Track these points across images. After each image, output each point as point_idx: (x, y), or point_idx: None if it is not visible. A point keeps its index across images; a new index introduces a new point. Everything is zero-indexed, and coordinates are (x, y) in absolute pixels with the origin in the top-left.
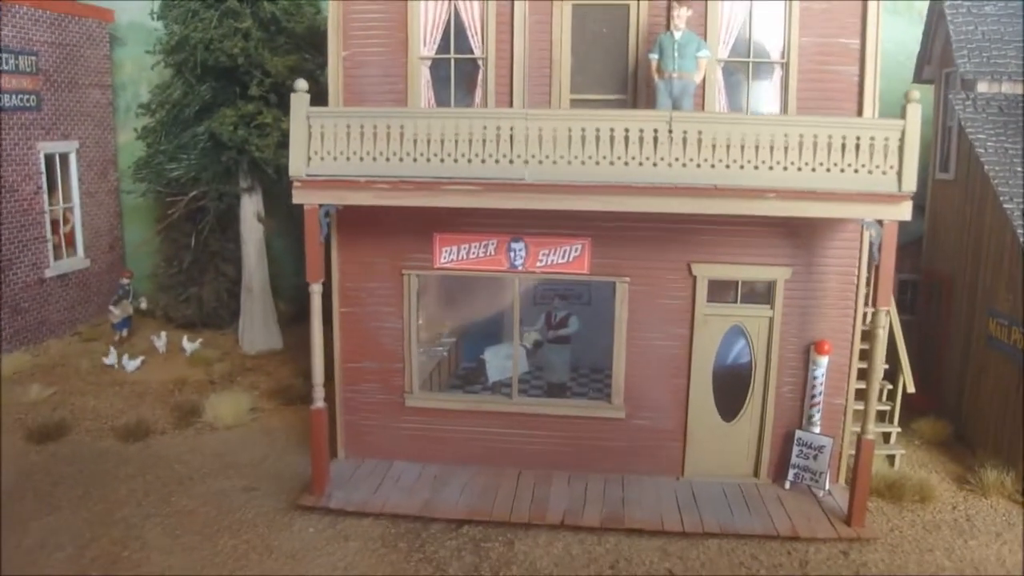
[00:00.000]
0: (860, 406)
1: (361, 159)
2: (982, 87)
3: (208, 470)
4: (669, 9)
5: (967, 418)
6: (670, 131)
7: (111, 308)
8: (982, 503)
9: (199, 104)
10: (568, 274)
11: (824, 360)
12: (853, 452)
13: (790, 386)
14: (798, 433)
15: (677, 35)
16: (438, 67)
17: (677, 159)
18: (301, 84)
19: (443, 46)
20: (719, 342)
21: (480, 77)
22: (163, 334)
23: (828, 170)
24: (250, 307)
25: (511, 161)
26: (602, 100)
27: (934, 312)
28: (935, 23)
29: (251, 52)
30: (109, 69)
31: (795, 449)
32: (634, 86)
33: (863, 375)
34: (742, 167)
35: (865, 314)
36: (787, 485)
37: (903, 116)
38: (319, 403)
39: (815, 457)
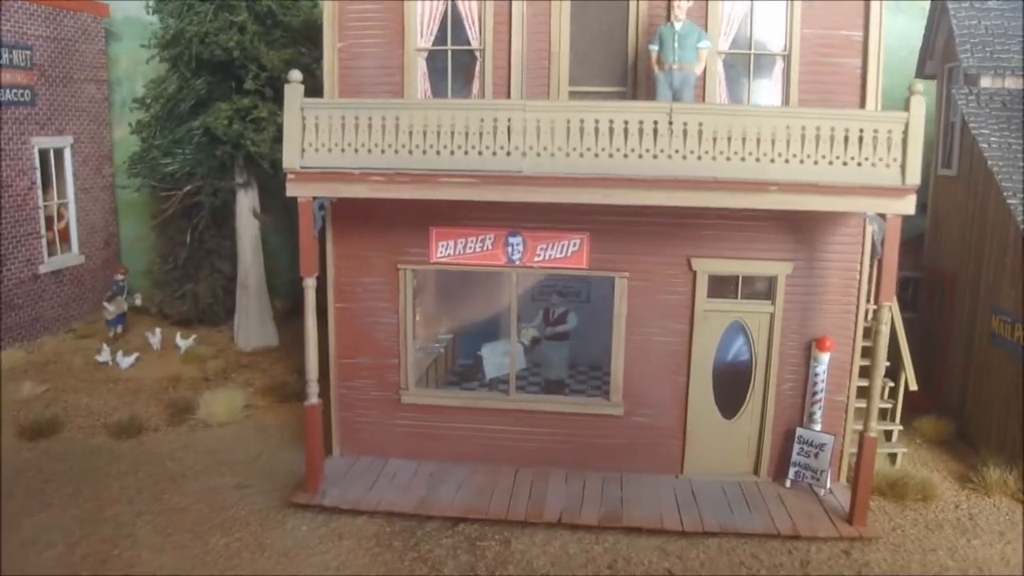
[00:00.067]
0: (861, 404)
1: (356, 151)
2: (985, 82)
3: (201, 467)
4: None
5: (969, 416)
6: (670, 123)
7: (105, 304)
8: (985, 502)
9: (194, 98)
10: (566, 269)
11: (825, 357)
12: (854, 450)
13: (791, 383)
14: (799, 431)
15: (677, 26)
16: (435, 59)
17: (677, 151)
18: (295, 75)
19: (440, 37)
20: (719, 338)
21: (477, 69)
22: (158, 331)
23: (830, 163)
24: (245, 304)
25: (508, 153)
26: (601, 92)
27: (936, 310)
28: (938, 18)
29: (247, 46)
30: (104, 64)
31: (796, 447)
32: (634, 78)
33: (865, 372)
34: (743, 159)
35: (867, 311)
36: (788, 483)
37: (907, 108)
38: (313, 399)
39: (816, 455)
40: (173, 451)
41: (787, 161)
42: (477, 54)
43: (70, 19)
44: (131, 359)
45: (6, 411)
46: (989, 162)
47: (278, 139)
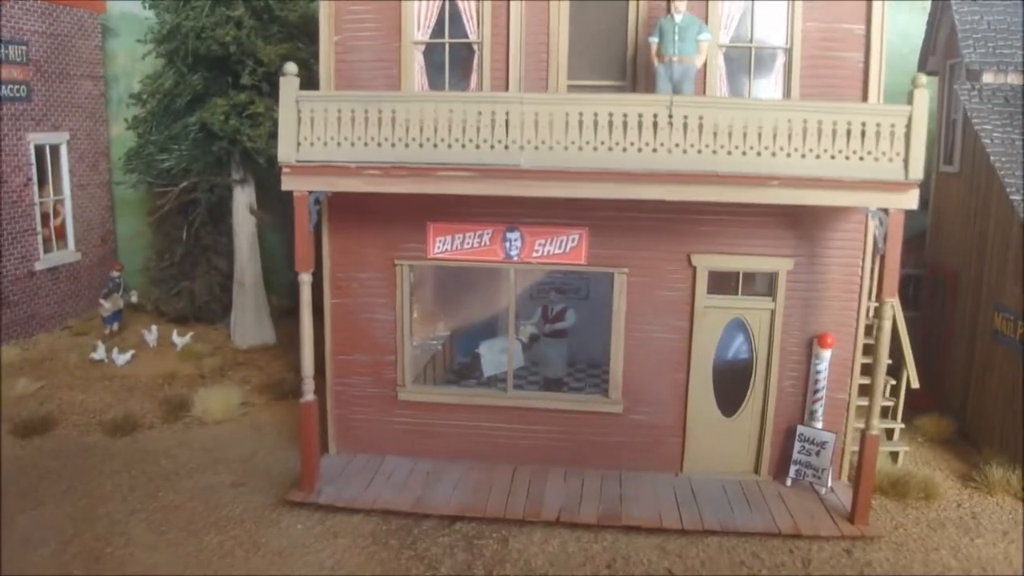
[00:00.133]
0: (863, 402)
1: (352, 144)
2: (988, 78)
3: (196, 465)
4: None
5: (972, 415)
6: (670, 116)
7: (101, 301)
8: (987, 501)
9: (191, 94)
10: (565, 265)
11: (827, 354)
12: (856, 448)
13: (792, 380)
14: (800, 428)
15: (678, 18)
16: (432, 52)
17: (677, 145)
18: (291, 67)
19: (437, 30)
20: (719, 335)
21: (475, 62)
22: (154, 328)
23: (833, 157)
24: (242, 301)
25: (506, 147)
26: (601, 86)
27: (938, 307)
28: (939, 13)
29: (243, 41)
30: (101, 60)
31: (797, 445)
32: (633, 72)
33: (866, 370)
34: (744, 153)
35: (869, 308)
36: (788, 482)
37: (910, 102)
38: (308, 396)
39: (817, 453)
40: (168, 449)
41: (789, 155)
42: (475, 48)
43: (66, 15)
44: (127, 356)
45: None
46: (992, 158)
47: (275, 135)
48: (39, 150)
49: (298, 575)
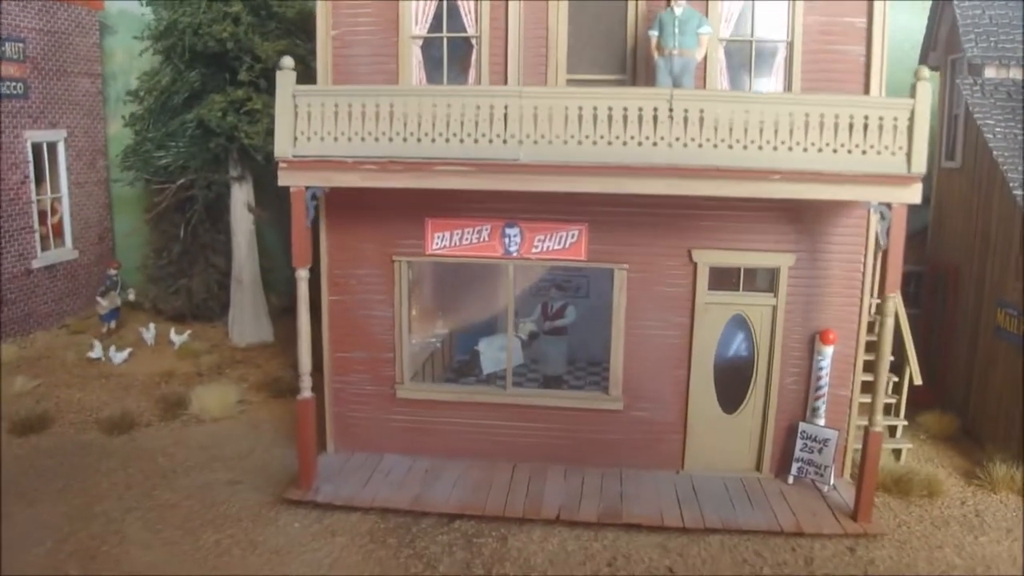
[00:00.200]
0: (865, 399)
1: (349, 139)
2: (990, 72)
3: (192, 463)
4: None
5: (975, 412)
6: (670, 110)
7: (98, 299)
8: (991, 499)
9: (188, 90)
10: (564, 260)
11: (829, 350)
12: (858, 446)
13: (794, 377)
14: (802, 426)
15: (678, 11)
16: (430, 46)
17: (678, 139)
18: (287, 61)
19: (435, 25)
20: (720, 331)
21: (474, 57)
22: (151, 326)
23: (835, 151)
24: (240, 299)
25: (505, 141)
26: (600, 80)
27: (939, 304)
28: (941, 8)
29: (241, 37)
30: (99, 57)
31: (799, 442)
32: (633, 66)
33: (868, 367)
34: (745, 147)
35: (871, 304)
36: (790, 479)
37: (912, 95)
38: (306, 393)
39: (820, 450)
40: (165, 447)
41: (790, 149)
42: (473, 42)
43: (64, 12)
44: (124, 354)
45: None
46: (994, 153)
47: (272, 131)
48: (36, 148)
49: (295, 574)
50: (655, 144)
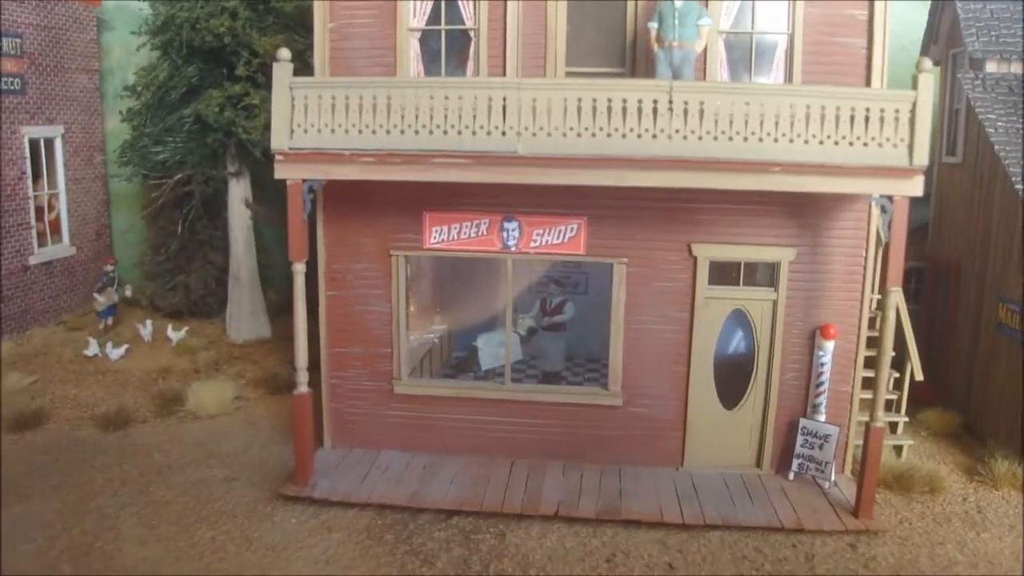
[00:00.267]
0: (866, 395)
1: (346, 131)
2: (991, 67)
3: (188, 459)
4: None
5: (976, 408)
6: (670, 102)
7: (96, 296)
8: (993, 495)
9: (185, 86)
10: (563, 255)
11: (830, 345)
12: (859, 442)
13: (794, 372)
14: (803, 421)
15: (677, 3)
16: (428, 39)
17: (678, 131)
18: (284, 53)
19: (433, 17)
20: (721, 326)
21: (472, 49)
22: (149, 322)
23: (836, 143)
24: (238, 295)
25: (503, 133)
26: (599, 73)
27: (940, 300)
28: (942, 2)
29: (238, 32)
30: (96, 53)
31: (800, 438)
32: (632, 58)
33: (869, 363)
34: (746, 139)
35: (872, 300)
36: (791, 476)
37: (914, 86)
38: (302, 388)
39: (820, 446)
40: (160, 443)
41: (791, 141)
42: (471, 34)
43: (61, 7)
44: (121, 351)
45: None
46: (996, 147)
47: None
48: (33, 144)
49: (291, 570)
50: (655, 136)
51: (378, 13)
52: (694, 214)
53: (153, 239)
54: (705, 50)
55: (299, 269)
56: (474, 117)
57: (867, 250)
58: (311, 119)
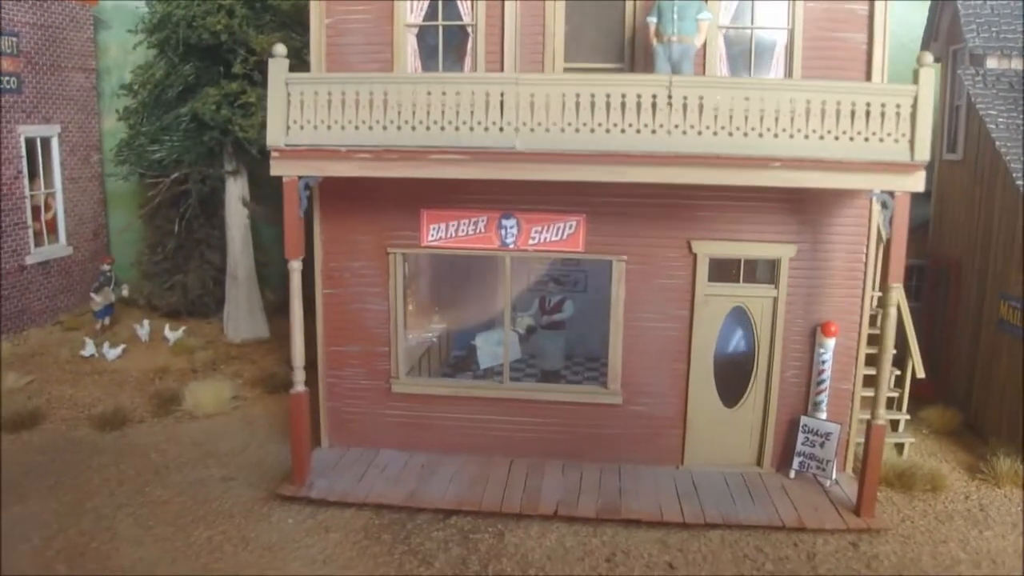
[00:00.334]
0: (868, 392)
1: (343, 128)
2: (992, 63)
3: (185, 459)
4: None
5: (978, 405)
6: (669, 96)
7: (92, 295)
8: (995, 493)
9: (182, 84)
10: (562, 252)
11: (831, 342)
12: (861, 440)
13: (795, 370)
14: (804, 419)
15: None
16: (425, 35)
17: (677, 126)
18: (280, 49)
19: (431, 13)
20: (721, 324)
21: (469, 45)
22: (146, 322)
23: (836, 138)
24: (235, 295)
25: (501, 129)
26: (598, 68)
27: (941, 298)
28: (941, 1)
29: (235, 29)
30: (93, 52)
31: (800, 436)
32: (631, 54)
33: (871, 360)
34: (746, 135)
35: (872, 297)
36: (792, 474)
37: (915, 81)
38: (299, 387)
39: (822, 444)
40: (157, 443)
41: (791, 136)
42: (469, 30)
43: (58, 6)
44: (118, 351)
45: None
46: (997, 144)
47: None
48: (30, 143)
49: (288, 570)
50: (654, 132)
51: (375, 9)
52: (694, 210)
53: (150, 238)
54: (705, 45)
55: (295, 267)
56: (472, 113)
57: (868, 246)
58: (307, 115)
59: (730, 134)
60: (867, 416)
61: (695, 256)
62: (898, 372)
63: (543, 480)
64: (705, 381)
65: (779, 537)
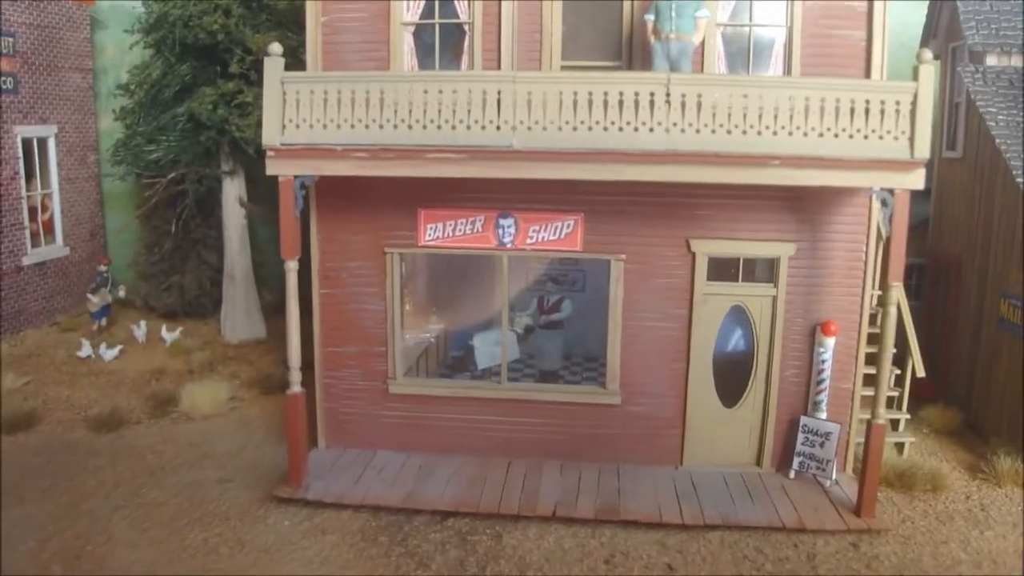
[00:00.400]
0: (868, 392)
1: (339, 127)
2: (991, 60)
3: (182, 461)
4: None
5: (978, 405)
6: (668, 94)
7: (89, 296)
8: (996, 492)
9: (179, 84)
10: (560, 252)
11: (831, 342)
12: (861, 440)
13: (795, 370)
14: (803, 419)
15: None
16: (422, 33)
17: (675, 124)
18: (275, 47)
19: (427, 11)
20: (720, 323)
21: (466, 44)
22: (143, 323)
23: (836, 136)
24: (232, 295)
25: (498, 127)
26: (595, 66)
27: (941, 297)
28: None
29: (231, 29)
30: (89, 52)
31: (800, 436)
32: (629, 52)
33: (870, 360)
34: (744, 133)
35: (872, 296)
36: (792, 474)
37: (915, 78)
38: (295, 388)
39: (821, 444)
40: (153, 444)
41: (790, 134)
42: (466, 28)
43: (54, 6)
44: (115, 352)
45: None
46: (997, 141)
47: None
48: (26, 143)
49: (284, 573)
50: (652, 130)
51: (371, 8)
52: (692, 209)
53: (147, 239)
54: (703, 43)
55: (291, 267)
56: (469, 111)
57: (868, 245)
58: (303, 114)
59: (729, 132)
60: (867, 416)
61: (694, 255)
62: (898, 371)
63: (541, 481)
64: (704, 381)
65: (779, 538)
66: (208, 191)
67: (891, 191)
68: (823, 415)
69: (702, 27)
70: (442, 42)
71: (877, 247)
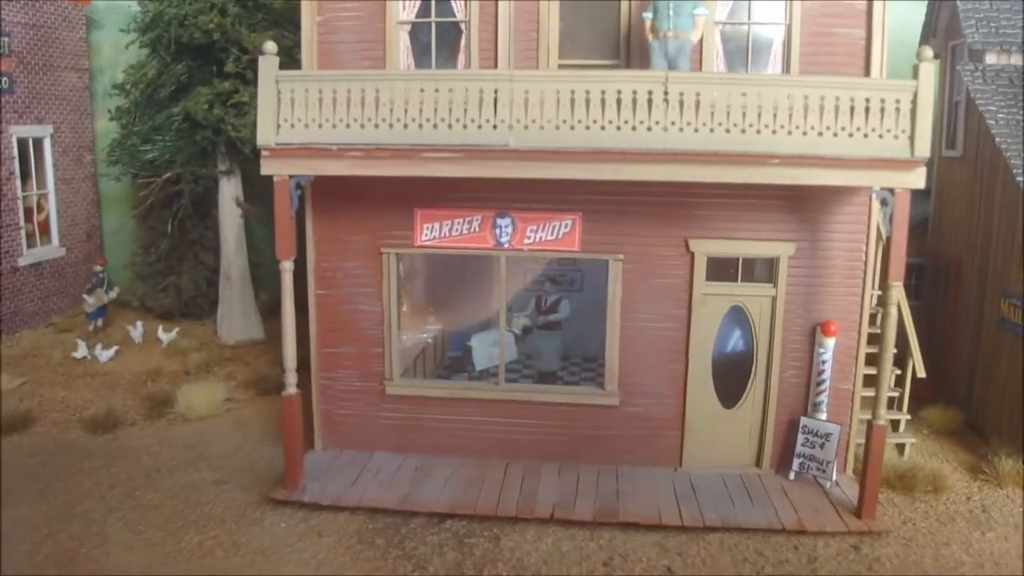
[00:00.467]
0: (868, 392)
1: (334, 126)
2: (991, 58)
3: (177, 463)
4: None
5: (979, 405)
6: (666, 93)
7: (85, 297)
8: (998, 493)
9: (175, 83)
10: (558, 251)
11: (831, 342)
12: (861, 440)
13: (794, 370)
14: (803, 420)
15: None
16: (418, 32)
17: (673, 123)
18: (270, 46)
19: (423, 9)
20: (719, 324)
21: (463, 43)
22: (139, 324)
23: (835, 134)
24: (229, 296)
25: (495, 126)
26: (593, 65)
27: (941, 296)
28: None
29: (227, 28)
30: (85, 52)
31: (800, 437)
32: (627, 51)
33: (871, 360)
34: (743, 131)
35: (872, 296)
36: (791, 475)
37: (915, 76)
38: (291, 389)
39: (822, 445)
40: (149, 446)
41: (789, 133)
42: (462, 27)
43: (50, 6)
44: (111, 352)
45: None
46: (997, 139)
47: None
48: (22, 143)
49: (280, 575)
50: (650, 129)
51: (367, 7)
52: (691, 209)
53: (143, 239)
54: (701, 41)
55: (287, 267)
56: (465, 110)
57: (868, 244)
58: (298, 113)
59: (727, 131)
60: (867, 416)
61: (692, 255)
62: (898, 371)
63: (539, 483)
64: (703, 381)
65: (779, 540)
66: (204, 191)
67: (891, 190)
68: (823, 416)
69: (700, 25)
70: (438, 41)
71: (877, 247)
